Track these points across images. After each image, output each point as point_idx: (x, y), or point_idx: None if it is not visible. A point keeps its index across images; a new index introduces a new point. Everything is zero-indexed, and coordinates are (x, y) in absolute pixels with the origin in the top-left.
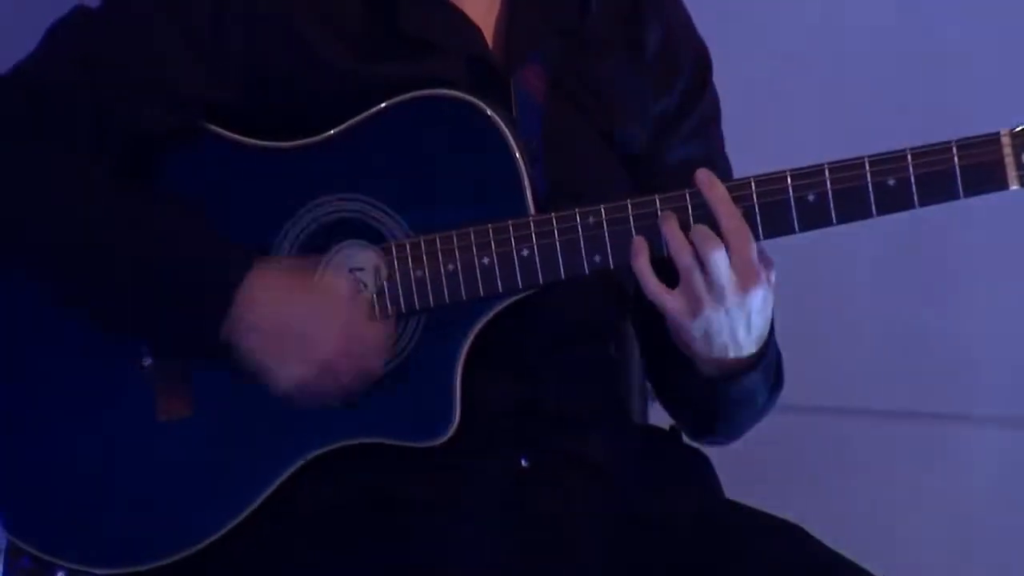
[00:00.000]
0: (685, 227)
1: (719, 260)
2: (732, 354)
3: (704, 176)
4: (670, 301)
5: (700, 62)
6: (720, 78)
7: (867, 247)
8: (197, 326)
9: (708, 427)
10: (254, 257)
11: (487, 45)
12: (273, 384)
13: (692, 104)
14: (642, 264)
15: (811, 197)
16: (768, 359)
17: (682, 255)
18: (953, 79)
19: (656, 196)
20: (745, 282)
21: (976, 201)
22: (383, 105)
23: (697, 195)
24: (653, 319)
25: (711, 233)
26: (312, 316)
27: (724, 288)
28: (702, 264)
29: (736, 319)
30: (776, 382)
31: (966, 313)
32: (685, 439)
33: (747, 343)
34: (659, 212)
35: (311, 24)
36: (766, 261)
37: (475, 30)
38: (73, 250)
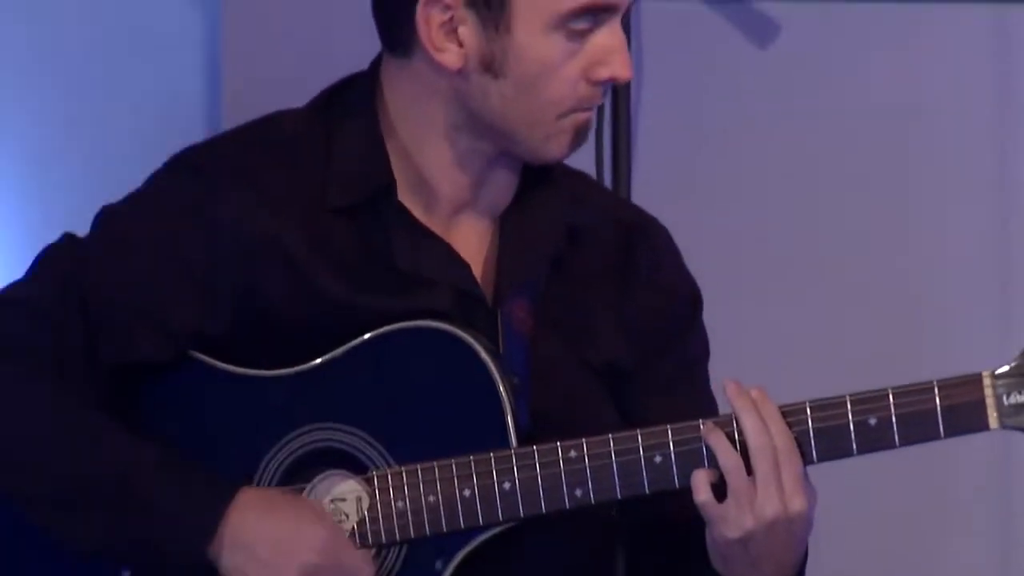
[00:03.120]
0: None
1: (766, 453)
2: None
3: (758, 394)
4: (718, 510)
5: (692, 299)
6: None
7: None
8: (182, 556)
9: None
10: (235, 489)
11: (476, 281)
12: None
13: (683, 339)
14: (701, 474)
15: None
16: None
17: (729, 457)
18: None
19: (638, 431)
20: (793, 496)
21: None
22: (366, 336)
23: (679, 432)
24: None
25: (761, 426)
26: (296, 526)
27: (770, 491)
28: (748, 466)
29: (780, 533)
30: None
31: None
32: None
33: (787, 561)
34: (640, 448)
35: (305, 256)
36: (812, 491)
37: (466, 267)
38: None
